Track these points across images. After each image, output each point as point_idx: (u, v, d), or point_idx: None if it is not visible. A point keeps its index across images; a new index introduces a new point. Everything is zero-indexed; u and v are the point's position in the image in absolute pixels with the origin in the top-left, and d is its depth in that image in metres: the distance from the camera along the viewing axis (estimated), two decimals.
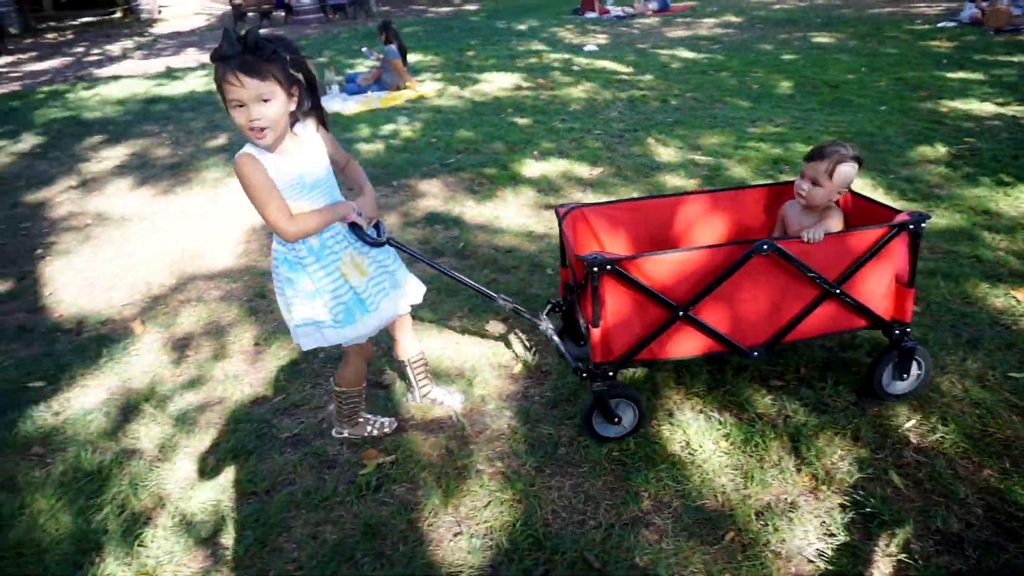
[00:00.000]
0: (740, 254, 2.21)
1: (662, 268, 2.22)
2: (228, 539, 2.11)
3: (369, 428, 2.54)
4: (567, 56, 10.39)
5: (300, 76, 1.98)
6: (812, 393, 2.57)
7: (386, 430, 2.55)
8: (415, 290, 2.39)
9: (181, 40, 17.43)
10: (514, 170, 5.32)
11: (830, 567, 1.89)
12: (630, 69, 9.08)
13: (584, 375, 2.38)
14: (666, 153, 5.50)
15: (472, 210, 4.66)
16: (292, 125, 2.03)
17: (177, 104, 9.05)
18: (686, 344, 2.35)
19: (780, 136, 5.67)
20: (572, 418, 2.55)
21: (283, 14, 19.59)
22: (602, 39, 11.94)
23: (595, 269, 2.16)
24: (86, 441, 2.64)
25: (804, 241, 2.24)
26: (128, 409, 2.83)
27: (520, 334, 3.15)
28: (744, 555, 1.96)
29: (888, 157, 4.97)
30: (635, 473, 2.27)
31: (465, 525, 2.13)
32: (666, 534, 2.05)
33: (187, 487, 2.36)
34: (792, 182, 2.69)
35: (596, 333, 2.28)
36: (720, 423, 2.45)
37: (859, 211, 2.65)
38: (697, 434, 2.41)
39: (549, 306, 2.77)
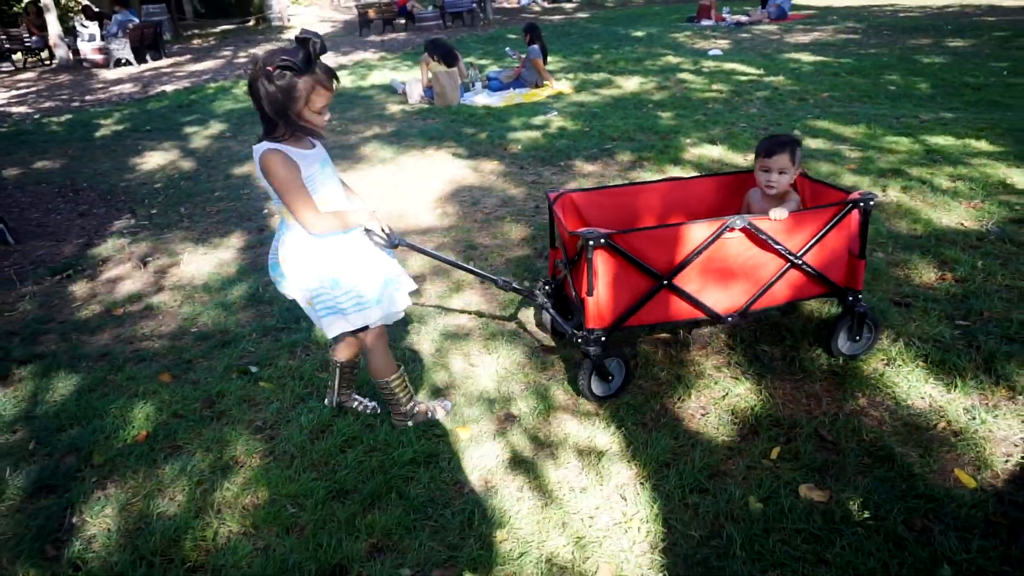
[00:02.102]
0: (717, 229, 2.49)
1: (649, 242, 2.48)
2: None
3: (430, 413, 2.65)
4: (693, 59, 10.76)
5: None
6: (999, 329, 2.92)
7: (445, 411, 2.69)
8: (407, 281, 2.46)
9: None
10: (673, 154, 5.79)
11: None
12: (760, 71, 9.38)
13: (580, 340, 2.61)
14: (815, 143, 5.84)
15: None
16: None
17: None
18: (669, 311, 2.62)
19: (929, 129, 5.91)
20: (783, 340, 3.00)
21: (404, 21, 20.74)
22: (724, 44, 12.23)
23: (590, 243, 2.39)
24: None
25: (772, 219, 2.52)
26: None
27: None
28: (957, 438, 2.36)
29: None
30: (849, 378, 2.70)
31: (710, 409, 2.62)
32: (883, 422, 2.47)
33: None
34: (752, 171, 2.97)
35: (590, 302, 2.51)
36: (919, 348, 2.84)
37: (813, 192, 2.94)
38: (898, 354, 2.81)
39: (541, 283, 2.97)
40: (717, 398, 2.68)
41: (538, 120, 7.51)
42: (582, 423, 2.60)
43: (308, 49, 2.00)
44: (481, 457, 2.46)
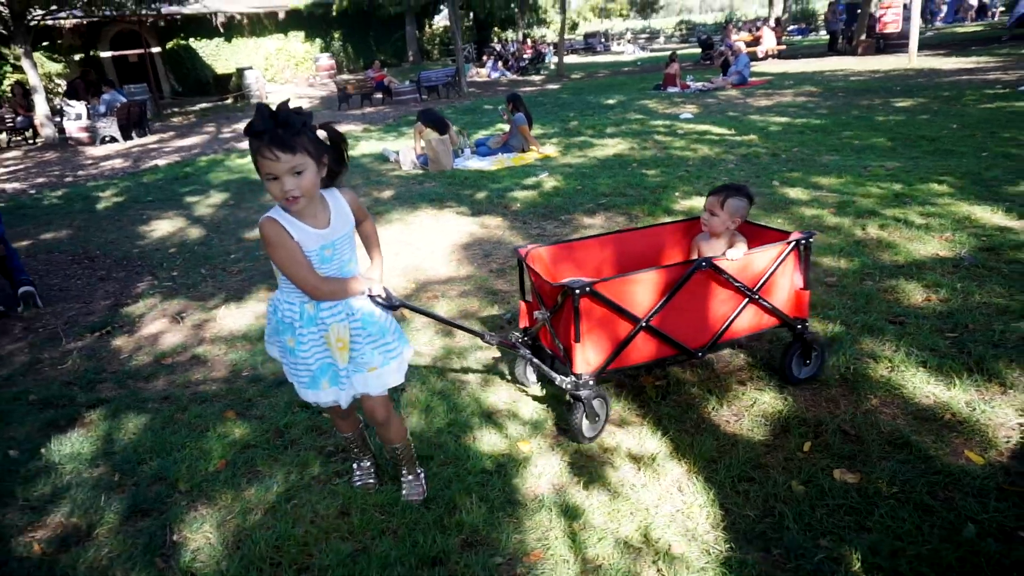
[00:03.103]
0: (685, 272, 2.72)
1: (625, 288, 2.67)
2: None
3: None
4: (667, 122, 11.46)
5: (328, 141, 2.10)
6: (984, 338, 3.30)
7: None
8: (381, 378, 2.30)
9: None
10: (665, 205, 6.24)
11: None
12: (732, 131, 10.06)
13: (570, 386, 2.72)
14: (793, 192, 6.35)
15: None
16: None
17: None
18: (646, 351, 2.81)
19: (895, 176, 6.47)
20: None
21: (381, 95, 21.53)
22: (693, 108, 13.03)
23: (576, 292, 2.55)
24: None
25: (728, 259, 2.79)
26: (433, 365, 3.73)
27: None
28: (963, 426, 2.69)
29: (1000, 190, 5.71)
30: (861, 384, 3.03)
31: (743, 415, 2.92)
32: (897, 416, 2.79)
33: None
34: (700, 217, 3.23)
35: (578, 348, 2.65)
36: (918, 355, 3.20)
37: (756, 236, 3.19)
38: (900, 362, 3.16)
39: (519, 336, 3.08)
40: (747, 406, 2.98)
41: (531, 181, 7.97)
42: (629, 432, 2.87)
43: (259, 111, 1.94)
44: (545, 465, 2.71)
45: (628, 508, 2.42)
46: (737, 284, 2.84)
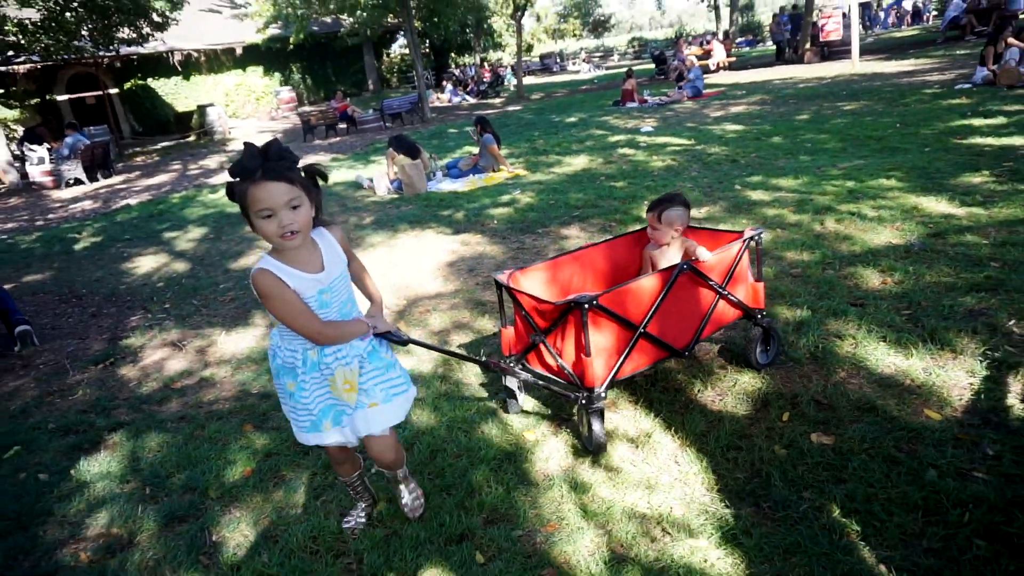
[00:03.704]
0: (669, 277, 2.90)
1: (622, 298, 2.79)
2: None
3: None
4: (629, 136, 11.90)
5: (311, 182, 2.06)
6: (935, 312, 3.65)
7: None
8: (383, 415, 2.28)
9: None
10: (636, 214, 6.57)
11: (981, 386, 2.93)
12: (691, 141, 10.51)
13: (584, 402, 2.78)
14: (755, 194, 6.73)
15: None
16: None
17: None
18: (644, 357, 2.95)
19: (848, 175, 6.90)
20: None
21: (345, 125, 21.75)
22: (652, 122, 13.51)
23: (585, 306, 2.64)
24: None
25: (703, 260, 3.02)
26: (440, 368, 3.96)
27: None
28: (921, 389, 3.01)
29: (943, 181, 6.15)
30: (829, 361, 3.34)
31: (726, 394, 3.21)
32: (863, 385, 3.11)
33: None
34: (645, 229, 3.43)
35: (588, 362, 2.72)
36: (878, 332, 3.53)
37: (710, 238, 3.40)
38: (863, 339, 3.48)
39: (511, 362, 3.14)
40: (729, 386, 3.27)
41: (505, 198, 8.26)
42: (624, 416, 3.14)
43: (247, 149, 1.91)
44: (551, 450, 2.96)
45: (631, 480, 2.67)
46: (711, 282, 3.10)
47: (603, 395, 2.78)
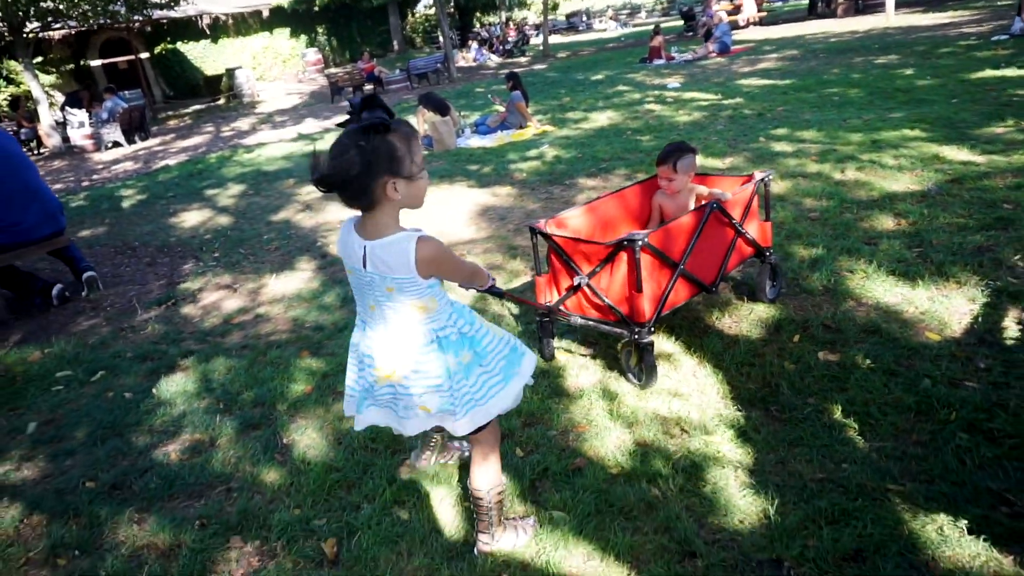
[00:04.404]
0: (702, 216, 3.08)
1: (665, 237, 2.95)
2: None
3: (519, 533, 2.27)
4: (656, 92, 11.97)
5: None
6: (945, 249, 3.86)
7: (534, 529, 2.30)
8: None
9: (292, 115, 19.76)
10: None
11: (980, 311, 3.16)
12: (718, 96, 10.57)
13: (637, 336, 2.90)
14: (779, 146, 6.88)
15: None
16: None
17: None
18: (680, 294, 3.12)
19: (873, 126, 7.01)
20: (785, 274, 3.89)
21: (372, 86, 21.93)
22: (679, 79, 13.52)
23: (638, 243, 2.77)
24: None
25: (729, 198, 3.20)
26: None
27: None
28: (924, 314, 3.25)
29: (967, 131, 6.25)
30: (840, 291, 3.59)
31: (742, 319, 3.48)
32: (870, 312, 3.35)
33: None
34: (654, 177, 3.64)
35: (641, 298, 2.85)
36: (888, 266, 3.76)
37: (720, 184, 3.60)
38: (873, 272, 3.72)
39: (556, 305, 3.21)
40: (745, 314, 3.54)
41: (533, 153, 8.49)
42: None
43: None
44: (580, 368, 3.27)
45: (653, 391, 2.98)
46: (733, 222, 3.34)
47: (652, 329, 2.95)
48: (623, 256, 2.88)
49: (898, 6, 18.77)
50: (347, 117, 1.79)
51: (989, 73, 8.77)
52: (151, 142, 17.25)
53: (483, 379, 2.03)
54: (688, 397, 2.91)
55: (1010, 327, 3.04)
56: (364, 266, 1.91)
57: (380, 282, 1.91)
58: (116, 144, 16.51)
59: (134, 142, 16.99)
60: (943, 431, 2.45)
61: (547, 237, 3.15)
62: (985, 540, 1.99)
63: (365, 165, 1.74)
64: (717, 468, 2.46)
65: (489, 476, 2.15)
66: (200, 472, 2.87)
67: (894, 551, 2.01)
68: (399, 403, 2.06)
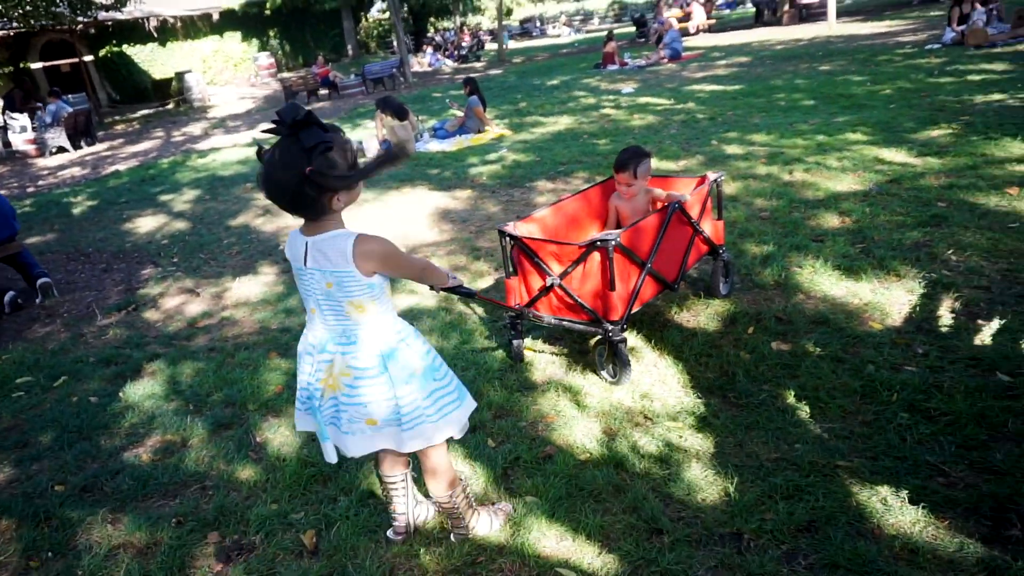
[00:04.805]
0: (665, 217, 3.17)
1: (634, 236, 3.03)
2: None
3: (492, 520, 2.33)
4: (610, 97, 12.22)
5: None
6: (885, 244, 4.10)
7: (507, 514, 2.38)
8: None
9: (246, 119, 19.48)
10: None
11: (918, 302, 3.39)
12: (671, 101, 10.86)
13: (611, 334, 2.97)
14: (730, 149, 7.14)
15: None
16: None
17: None
18: (647, 291, 3.21)
19: (818, 130, 7.32)
20: (736, 272, 4.07)
21: (327, 91, 21.78)
22: (633, 84, 13.81)
23: (612, 243, 2.85)
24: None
25: (685, 201, 3.32)
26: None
27: None
28: (867, 305, 3.46)
29: (905, 135, 6.59)
30: (790, 286, 3.79)
31: (699, 313, 3.64)
32: (818, 304, 3.55)
33: None
34: (611, 178, 3.72)
35: (614, 296, 2.94)
36: (834, 262, 3.97)
37: (674, 185, 3.75)
38: (821, 267, 3.93)
39: (524, 309, 3.25)
40: (702, 308, 3.71)
41: (492, 157, 8.60)
42: None
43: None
44: (547, 362, 3.39)
45: (617, 384, 3.11)
46: (692, 222, 3.48)
47: (624, 326, 3.04)
48: (595, 256, 2.96)
49: (839, 15, 19.50)
50: (273, 125, 1.80)
51: (924, 80, 9.23)
52: (98, 147, 16.82)
53: (437, 395, 2.01)
54: (651, 387, 3.05)
55: (944, 316, 3.26)
56: (305, 263, 1.92)
57: (320, 278, 1.89)
58: (61, 149, 16.04)
59: (80, 147, 16.53)
60: (886, 411, 2.64)
61: (516, 239, 3.20)
62: (924, 508, 2.17)
63: (315, 188, 1.77)
64: (680, 452, 2.60)
65: (445, 480, 2.16)
66: (174, 472, 2.89)
67: (843, 521, 2.17)
68: (342, 416, 2.00)
